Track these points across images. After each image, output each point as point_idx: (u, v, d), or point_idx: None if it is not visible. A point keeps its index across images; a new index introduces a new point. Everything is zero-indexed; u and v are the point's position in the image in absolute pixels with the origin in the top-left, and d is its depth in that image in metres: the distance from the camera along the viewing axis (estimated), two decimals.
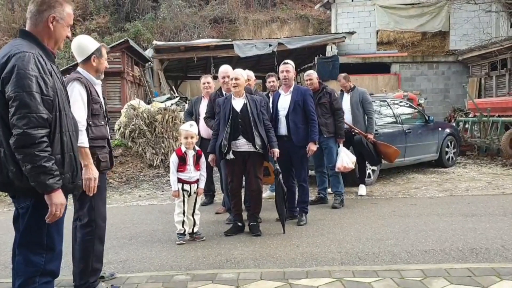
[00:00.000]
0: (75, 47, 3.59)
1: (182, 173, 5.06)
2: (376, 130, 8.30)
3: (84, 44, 3.57)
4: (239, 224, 5.42)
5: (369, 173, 8.19)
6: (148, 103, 12.83)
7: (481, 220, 5.63)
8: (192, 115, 6.80)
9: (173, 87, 18.33)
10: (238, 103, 5.22)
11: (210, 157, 5.51)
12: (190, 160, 5.07)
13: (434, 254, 4.42)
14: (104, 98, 3.71)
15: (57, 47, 2.78)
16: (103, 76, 3.71)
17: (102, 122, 3.56)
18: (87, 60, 3.55)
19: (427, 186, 8.07)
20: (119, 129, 11.05)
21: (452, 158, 10.17)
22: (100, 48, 3.61)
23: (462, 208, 6.33)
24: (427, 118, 9.56)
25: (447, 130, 10.13)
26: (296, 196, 5.99)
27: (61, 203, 2.49)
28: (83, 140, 3.24)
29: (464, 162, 10.74)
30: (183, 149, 5.08)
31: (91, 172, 3.30)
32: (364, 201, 7.07)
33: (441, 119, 14.58)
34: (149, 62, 16.78)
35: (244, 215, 5.54)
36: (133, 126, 10.65)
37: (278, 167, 5.35)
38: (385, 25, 18.30)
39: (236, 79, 5.22)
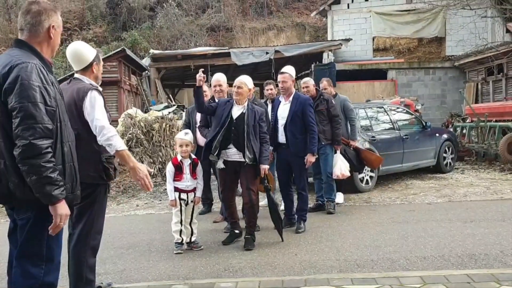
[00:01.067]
0: (73, 54, 3.44)
1: (178, 182, 5.03)
2: (373, 137, 8.33)
3: (83, 51, 3.44)
4: (236, 231, 5.35)
5: (367, 180, 8.19)
6: (145, 112, 12.82)
7: (479, 226, 5.62)
8: (189, 125, 6.69)
9: (171, 95, 18.38)
10: (236, 111, 5.11)
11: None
12: (187, 169, 5.04)
13: (433, 260, 4.40)
14: None
15: (52, 56, 2.77)
16: (100, 82, 3.63)
17: None
18: (87, 67, 3.45)
19: (425, 192, 8.06)
20: None
21: (450, 163, 10.17)
22: (98, 54, 3.55)
23: (460, 214, 6.32)
24: (424, 124, 9.57)
25: (445, 136, 10.14)
26: (295, 204, 5.96)
27: (65, 213, 2.48)
28: (121, 144, 3.17)
29: (462, 168, 10.74)
30: (179, 158, 5.06)
31: (141, 172, 3.18)
32: (362, 207, 7.05)
33: (438, 124, 14.60)
34: (146, 71, 16.83)
35: (243, 222, 5.51)
36: (130, 135, 10.62)
37: (267, 184, 5.23)
38: (381, 31, 18.39)
39: (238, 87, 5.11)
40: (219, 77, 5.89)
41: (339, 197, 7.34)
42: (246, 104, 5.14)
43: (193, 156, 5.19)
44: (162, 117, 10.97)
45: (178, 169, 5.04)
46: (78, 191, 2.73)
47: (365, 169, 8.07)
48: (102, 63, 3.63)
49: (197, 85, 5.11)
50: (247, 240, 5.08)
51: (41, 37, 2.62)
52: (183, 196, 5.02)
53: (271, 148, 5.64)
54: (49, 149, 2.42)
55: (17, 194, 2.45)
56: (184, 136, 5.10)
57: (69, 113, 2.99)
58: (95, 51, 3.56)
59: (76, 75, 3.49)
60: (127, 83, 15.20)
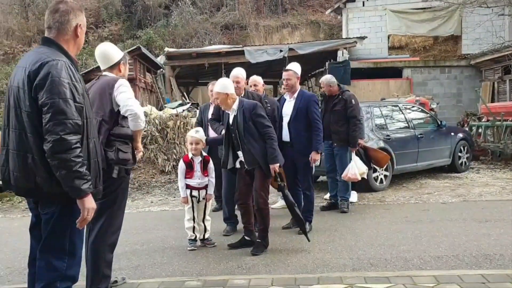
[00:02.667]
0: (102, 54, 3.70)
1: (189, 179, 5.06)
2: (388, 135, 8.28)
3: (111, 51, 3.72)
4: (246, 238, 5.06)
5: (381, 179, 8.15)
6: (160, 110, 12.90)
7: (495, 226, 5.56)
8: (202, 123, 6.68)
9: (185, 93, 18.43)
10: (231, 117, 4.89)
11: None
12: (197, 166, 5.07)
13: (447, 260, 4.38)
14: None
15: (77, 54, 2.85)
16: None
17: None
18: (114, 66, 3.69)
19: (440, 192, 8.00)
20: None
21: (465, 163, 10.07)
22: (125, 56, 3.79)
23: (475, 214, 6.26)
24: (439, 123, 9.49)
25: (460, 135, 10.05)
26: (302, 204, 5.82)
27: (92, 207, 2.54)
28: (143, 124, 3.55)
29: (478, 167, 10.62)
30: (190, 155, 5.09)
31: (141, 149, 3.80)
32: (376, 206, 7.02)
33: (453, 123, 14.45)
34: (161, 69, 16.90)
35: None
36: (145, 133, 10.70)
37: (280, 183, 4.91)
38: (397, 29, 18.24)
39: (216, 98, 4.89)
40: (236, 73, 5.57)
41: (353, 196, 7.32)
42: (236, 106, 4.82)
43: (204, 154, 5.20)
44: (177, 114, 11.04)
45: (189, 167, 5.07)
46: (101, 186, 2.80)
47: (380, 168, 8.05)
48: (128, 65, 3.84)
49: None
50: (256, 245, 4.86)
51: (69, 35, 2.69)
52: (195, 193, 5.05)
53: None
54: (78, 144, 2.48)
55: (44, 188, 2.51)
56: (194, 134, 5.13)
57: (98, 102, 3.33)
58: (123, 53, 3.81)
59: (104, 73, 3.71)
60: (142, 81, 15.30)
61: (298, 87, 5.74)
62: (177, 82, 17.22)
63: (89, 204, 2.52)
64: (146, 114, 10.97)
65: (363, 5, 18.46)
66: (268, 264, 4.45)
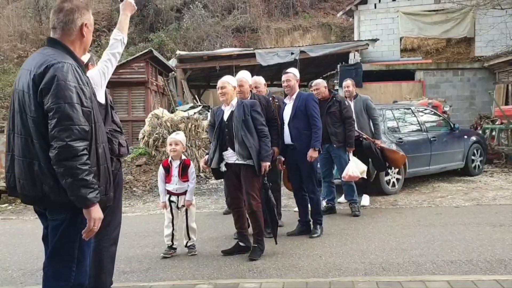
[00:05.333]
0: None
1: (168, 184, 4.98)
2: (400, 138, 8.22)
3: None
4: (241, 244, 4.97)
5: (393, 182, 8.09)
6: (172, 112, 12.96)
7: (509, 231, 5.48)
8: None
9: (196, 96, 18.50)
10: (227, 112, 4.89)
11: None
12: (175, 170, 4.95)
13: (460, 265, 4.32)
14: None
15: (83, 54, 2.78)
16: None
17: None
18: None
19: (453, 195, 7.92)
20: (143, 138, 11.19)
21: (478, 166, 9.96)
22: (92, 57, 3.60)
23: (489, 218, 6.19)
24: (452, 126, 9.40)
25: (473, 138, 9.94)
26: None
27: (99, 217, 2.44)
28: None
29: (491, 171, 10.50)
30: (170, 159, 5.03)
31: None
32: (388, 210, 6.97)
33: (467, 126, 14.31)
34: (173, 72, 16.98)
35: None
36: (156, 135, 10.77)
37: (266, 182, 4.88)
38: (409, 31, 18.13)
39: (222, 87, 4.86)
40: (240, 76, 5.48)
41: (365, 200, 7.27)
42: (235, 102, 4.88)
43: (184, 157, 5.10)
44: (188, 117, 11.08)
45: (167, 171, 4.99)
46: (111, 193, 2.70)
47: (392, 171, 8.00)
48: (96, 65, 3.58)
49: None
50: (253, 250, 4.80)
51: (74, 35, 2.60)
52: (173, 198, 4.97)
53: (281, 157, 5.56)
54: (85, 151, 2.38)
55: (51, 197, 2.42)
56: (174, 135, 5.10)
57: None
58: (90, 54, 3.59)
59: None
60: (154, 83, 15.39)
61: (297, 89, 5.75)
62: (189, 85, 17.28)
63: (96, 214, 2.42)
64: (157, 117, 11.03)
65: (375, 7, 18.37)
66: (279, 268, 4.43)
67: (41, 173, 2.42)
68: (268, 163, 4.78)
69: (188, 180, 4.99)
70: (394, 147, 7.86)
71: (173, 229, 4.98)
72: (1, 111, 18.92)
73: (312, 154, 5.44)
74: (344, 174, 6.52)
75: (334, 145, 6.53)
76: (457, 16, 17.51)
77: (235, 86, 4.95)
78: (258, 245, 4.82)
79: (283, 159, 5.59)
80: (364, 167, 6.65)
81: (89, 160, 2.42)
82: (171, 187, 4.97)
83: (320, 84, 6.67)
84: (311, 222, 5.69)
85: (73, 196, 2.36)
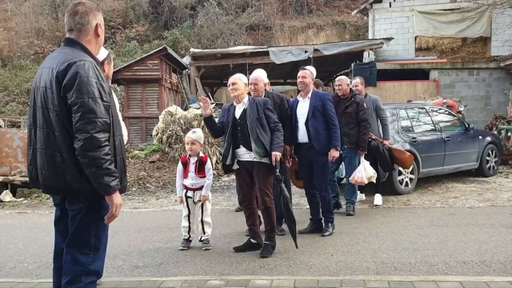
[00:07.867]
0: None
1: (185, 180, 5.16)
2: (414, 138, 8.17)
3: None
4: (252, 241, 4.99)
5: (406, 182, 8.05)
6: (185, 110, 13.01)
7: None
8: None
9: (209, 93, 18.54)
10: (238, 110, 4.88)
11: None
12: (192, 166, 5.13)
13: (473, 266, 4.29)
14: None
15: (97, 53, 2.89)
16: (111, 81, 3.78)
17: None
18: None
19: (467, 196, 7.85)
20: (156, 134, 11.27)
21: (493, 167, 9.86)
22: (109, 55, 3.69)
23: (503, 219, 6.13)
24: (467, 126, 9.32)
25: (488, 138, 9.84)
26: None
27: (120, 203, 2.61)
28: None
29: (506, 172, 10.39)
30: (188, 156, 5.20)
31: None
32: (401, 210, 6.94)
33: (481, 127, 14.16)
34: (187, 69, 17.03)
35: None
36: (170, 132, 10.84)
37: (279, 174, 4.80)
38: (424, 30, 17.95)
39: (233, 83, 4.85)
40: (255, 75, 5.48)
41: (378, 199, 7.25)
42: (246, 100, 4.88)
43: (201, 154, 5.22)
44: (201, 114, 11.10)
45: (185, 167, 5.18)
46: (126, 182, 2.84)
47: (405, 171, 7.96)
48: (113, 63, 3.77)
49: (204, 115, 5.01)
50: (265, 246, 4.81)
51: (90, 35, 2.75)
52: (189, 193, 5.14)
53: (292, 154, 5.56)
54: (107, 142, 2.54)
55: (74, 186, 2.57)
56: (191, 134, 5.20)
57: None
58: (108, 51, 3.72)
59: None
60: (168, 81, 15.45)
61: (311, 87, 5.71)
62: (202, 83, 17.33)
63: (118, 200, 2.58)
64: (171, 114, 11.09)
65: (390, 6, 18.24)
66: (290, 265, 4.44)
67: (64, 163, 2.56)
68: (279, 154, 4.73)
69: (205, 176, 5.13)
70: (407, 146, 7.82)
71: (189, 223, 5.17)
72: (17, 106, 19.15)
73: (334, 153, 5.47)
74: (351, 178, 6.52)
75: (345, 146, 6.48)
76: (473, 15, 17.30)
77: (246, 83, 4.99)
78: (270, 242, 4.84)
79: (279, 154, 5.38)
80: (372, 172, 6.60)
81: (110, 151, 2.57)
82: (187, 182, 5.14)
83: (343, 81, 6.64)
84: (322, 221, 5.69)
85: (97, 184, 2.52)
